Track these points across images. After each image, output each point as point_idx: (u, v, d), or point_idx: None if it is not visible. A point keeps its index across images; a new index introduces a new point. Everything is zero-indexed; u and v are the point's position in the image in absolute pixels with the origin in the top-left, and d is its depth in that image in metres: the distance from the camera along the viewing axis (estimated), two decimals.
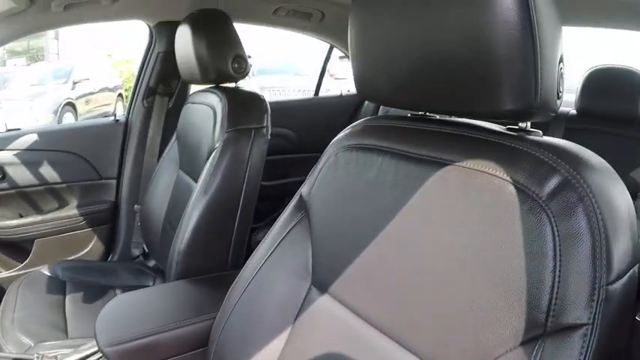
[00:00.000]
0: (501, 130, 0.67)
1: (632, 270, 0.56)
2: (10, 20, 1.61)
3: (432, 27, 0.63)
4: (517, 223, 0.57)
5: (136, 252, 2.13)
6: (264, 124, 1.46)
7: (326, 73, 2.91)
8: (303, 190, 0.90)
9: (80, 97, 8.89)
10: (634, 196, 1.93)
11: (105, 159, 2.16)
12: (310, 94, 2.98)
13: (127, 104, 2.24)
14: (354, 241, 0.77)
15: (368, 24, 0.73)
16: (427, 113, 0.79)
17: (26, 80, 8.96)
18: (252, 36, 3.82)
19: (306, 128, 2.65)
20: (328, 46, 2.74)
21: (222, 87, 1.58)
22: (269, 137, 1.47)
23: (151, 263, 2.00)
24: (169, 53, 1.90)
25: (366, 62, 0.75)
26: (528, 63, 0.57)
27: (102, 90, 9.68)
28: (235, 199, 1.40)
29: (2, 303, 1.55)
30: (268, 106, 1.50)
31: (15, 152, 2.01)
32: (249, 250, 1.11)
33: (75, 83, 8.87)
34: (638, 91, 1.83)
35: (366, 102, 2.76)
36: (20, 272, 1.97)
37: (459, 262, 0.62)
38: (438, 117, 0.78)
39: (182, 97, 2.17)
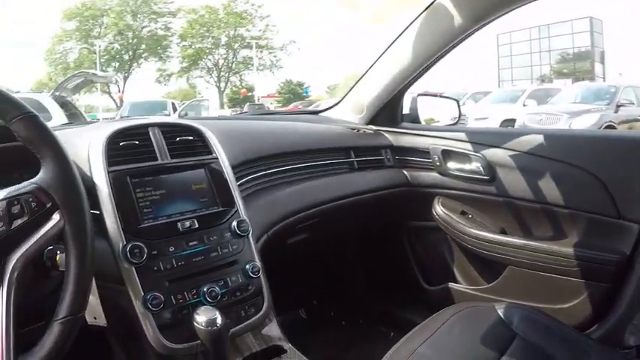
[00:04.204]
0: None
1: None
2: None
3: None
4: None
5: None
6: None
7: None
8: None
9: (623, 122, 8.17)
10: None
11: (630, 191, 1.43)
12: None
13: None
14: None
15: None
16: None
17: (568, 98, 9.03)
18: None
19: None
20: None
21: None
22: None
23: None
24: None
25: None
26: None
27: None
28: None
29: (429, 322, 1.20)
30: None
31: (512, 154, 1.55)
32: None
33: (618, 107, 8.20)
34: None
35: None
36: (482, 294, 1.65)
37: None
38: None
39: None
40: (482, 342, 1.11)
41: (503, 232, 1.62)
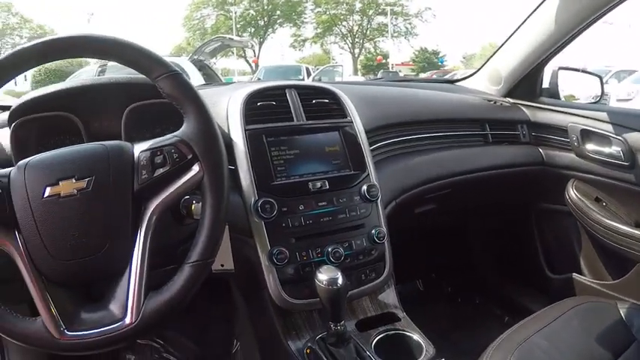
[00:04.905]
0: None
1: None
2: None
3: None
4: None
5: None
6: None
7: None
8: None
9: None
10: None
11: None
12: None
13: None
14: None
15: None
16: None
17: None
18: None
19: None
20: None
21: None
22: None
23: None
24: None
25: None
26: None
27: None
28: None
29: (547, 311, 1.18)
30: None
31: None
32: None
33: None
34: None
35: None
36: (606, 290, 1.57)
37: None
38: None
39: None
40: (598, 341, 1.07)
41: (638, 226, 1.48)
